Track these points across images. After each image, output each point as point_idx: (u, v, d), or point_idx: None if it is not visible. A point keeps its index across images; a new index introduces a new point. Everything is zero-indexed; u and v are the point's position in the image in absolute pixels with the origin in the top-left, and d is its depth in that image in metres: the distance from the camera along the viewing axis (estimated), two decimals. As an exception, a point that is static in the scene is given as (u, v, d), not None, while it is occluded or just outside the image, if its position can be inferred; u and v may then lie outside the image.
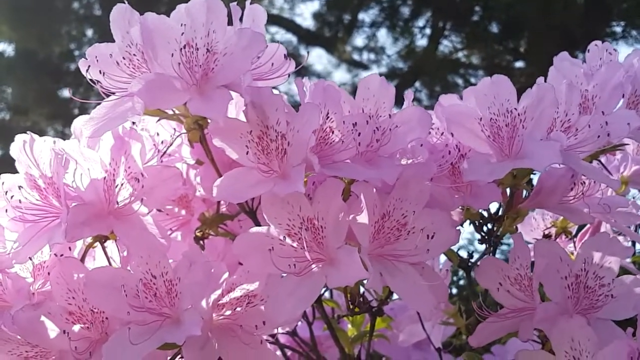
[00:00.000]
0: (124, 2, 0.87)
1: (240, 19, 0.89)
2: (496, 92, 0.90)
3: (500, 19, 7.81)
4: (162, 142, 0.98)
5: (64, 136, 0.94)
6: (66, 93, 8.34)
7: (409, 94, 0.94)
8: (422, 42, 8.30)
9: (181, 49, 0.82)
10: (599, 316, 0.89)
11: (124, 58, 0.86)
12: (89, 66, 0.88)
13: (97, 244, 0.91)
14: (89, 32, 8.26)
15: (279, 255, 0.80)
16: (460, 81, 8.18)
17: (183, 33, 0.83)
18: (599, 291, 0.90)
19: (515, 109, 0.89)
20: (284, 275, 0.81)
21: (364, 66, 8.47)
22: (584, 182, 1.00)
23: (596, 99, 0.98)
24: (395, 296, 1.08)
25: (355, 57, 8.50)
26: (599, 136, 0.92)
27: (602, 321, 0.89)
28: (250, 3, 0.91)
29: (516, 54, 8.00)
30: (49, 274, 0.88)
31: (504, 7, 7.60)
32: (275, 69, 0.90)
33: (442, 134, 0.95)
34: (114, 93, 0.87)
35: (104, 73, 0.87)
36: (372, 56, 8.42)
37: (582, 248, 0.93)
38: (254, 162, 0.82)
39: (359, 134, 0.85)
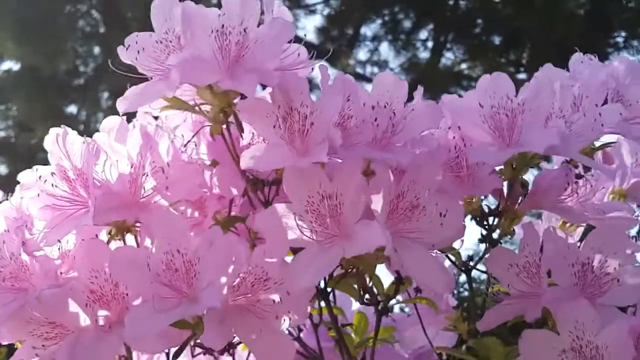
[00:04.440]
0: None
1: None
2: (496, 87, 0.96)
3: (501, 31, 7.87)
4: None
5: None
6: (72, 109, 8.39)
7: (419, 91, 0.98)
8: (424, 54, 8.35)
9: (216, 33, 0.89)
10: (603, 302, 0.93)
11: (160, 42, 0.93)
12: (129, 46, 0.93)
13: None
14: (94, 49, 8.34)
15: (303, 227, 0.85)
16: (463, 93, 8.21)
17: (220, 19, 0.89)
18: (604, 279, 0.94)
19: (514, 100, 0.94)
20: (302, 250, 0.86)
21: (368, 79, 8.50)
22: (577, 182, 1.04)
23: (583, 97, 1.02)
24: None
25: (359, 70, 8.54)
26: (592, 129, 0.96)
27: (606, 306, 0.93)
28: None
29: (518, 66, 8.04)
30: (74, 258, 0.93)
31: (506, 19, 7.67)
32: (300, 60, 0.96)
33: (449, 128, 1.00)
34: (146, 75, 0.93)
35: (142, 49, 0.93)
36: (376, 69, 8.46)
37: (590, 237, 0.97)
38: (280, 139, 0.88)
39: (376, 119, 0.90)
